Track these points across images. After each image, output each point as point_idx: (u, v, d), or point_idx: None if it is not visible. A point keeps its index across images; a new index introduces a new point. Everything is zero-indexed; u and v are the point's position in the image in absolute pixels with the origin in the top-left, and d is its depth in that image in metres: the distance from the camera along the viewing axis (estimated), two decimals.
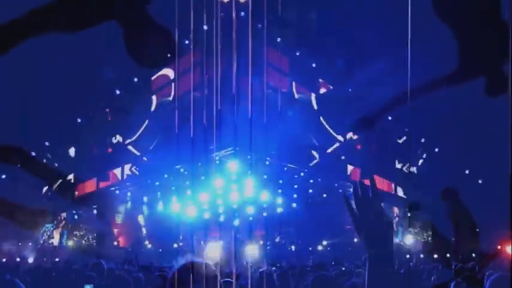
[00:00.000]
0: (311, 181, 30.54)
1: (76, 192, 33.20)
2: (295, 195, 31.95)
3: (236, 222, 34.06)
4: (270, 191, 31.03)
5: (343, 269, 9.67)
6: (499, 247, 22.65)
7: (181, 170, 27.98)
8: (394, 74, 25.80)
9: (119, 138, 32.34)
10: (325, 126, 30.64)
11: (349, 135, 31.95)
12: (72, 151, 33.70)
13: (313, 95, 30.54)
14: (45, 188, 34.35)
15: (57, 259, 19.72)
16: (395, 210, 33.51)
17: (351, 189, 1.86)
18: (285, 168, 28.10)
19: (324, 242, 29.96)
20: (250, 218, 34.26)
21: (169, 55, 29.72)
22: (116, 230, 31.62)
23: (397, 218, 33.45)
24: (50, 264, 15.35)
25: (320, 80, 30.82)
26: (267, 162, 26.94)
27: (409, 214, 33.56)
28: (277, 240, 29.11)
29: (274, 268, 10.50)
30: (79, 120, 33.39)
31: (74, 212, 33.44)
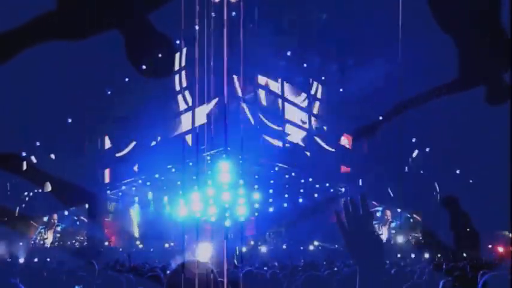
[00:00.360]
0: (302, 181, 30.48)
1: (67, 193, 33.02)
2: (286, 195, 31.95)
3: (227, 223, 34.00)
4: (261, 191, 31.00)
5: (335, 269, 9.66)
6: (489, 246, 22.80)
7: (173, 169, 27.86)
8: (390, 78, 25.93)
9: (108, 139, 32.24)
10: (317, 126, 30.65)
11: (343, 136, 31.92)
12: (62, 153, 33.62)
13: (304, 95, 30.46)
14: (36, 190, 34.27)
15: (48, 259, 19.59)
16: (388, 212, 33.62)
17: (342, 204, 1.85)
18: (276, 168, 28.05)
19: (316, 242, 30.01)
20: (242, 218, 34.26)
21: (160, 55, 29.65)
22: (107, 230, 31.39)
23: (389, 220, 33.57)
24: (42, 265, 15.26)
25: (312, 80, 30.74)
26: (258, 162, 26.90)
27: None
28: (268, 240, 29.10)
29: (265, 268, 10.50)
30: (70, 121, 33.27)
31: (65, 212, 33.35)
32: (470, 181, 36.95)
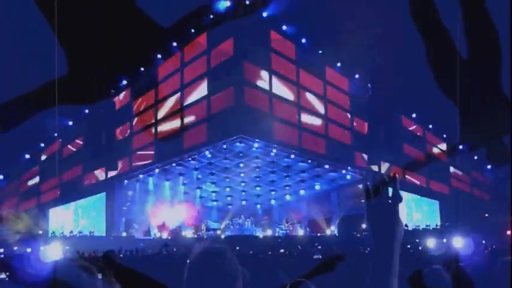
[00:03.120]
0: (318, 168, 30.09)
1: (85, 182, 33.21)
2: (302, 182, 31.77)
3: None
4: (276, 179, 30.86)
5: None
6: (508, 233, 22.63)
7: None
8: None
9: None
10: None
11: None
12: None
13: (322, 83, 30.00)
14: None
15: (67, 247, 19.73)
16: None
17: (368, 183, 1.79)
18: (292, 156, 27.85)
19: (332, 228, 29.99)
20: (258, 206, 34.27)
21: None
22: (124, 219, 31.06)
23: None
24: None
25: (328, 67, 30.37)
26: (274, 150, 26.76)
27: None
28: (285, 226, 29.05)
29: (288, 252, 10.55)
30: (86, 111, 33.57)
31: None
32: (488, 167, 36.67)
